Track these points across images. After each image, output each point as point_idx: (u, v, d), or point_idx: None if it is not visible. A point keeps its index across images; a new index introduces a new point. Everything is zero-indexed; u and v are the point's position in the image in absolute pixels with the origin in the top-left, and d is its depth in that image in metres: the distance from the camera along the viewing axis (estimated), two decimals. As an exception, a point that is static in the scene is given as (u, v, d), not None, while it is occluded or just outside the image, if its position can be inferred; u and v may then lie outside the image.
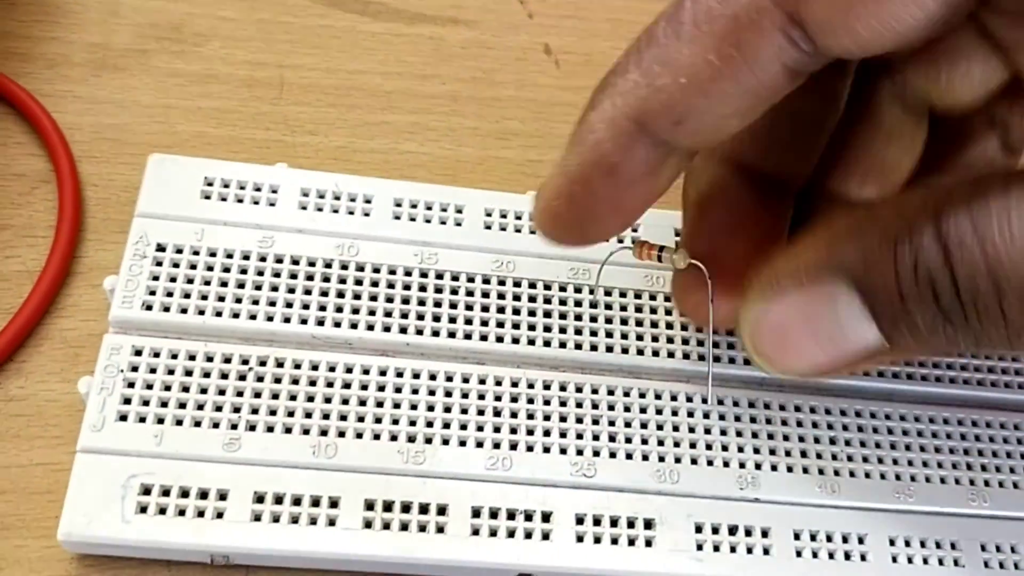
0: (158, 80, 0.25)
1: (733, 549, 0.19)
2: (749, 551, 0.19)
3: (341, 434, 0.19)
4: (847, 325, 0.15)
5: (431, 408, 0.19)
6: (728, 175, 0.19)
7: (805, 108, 0.18)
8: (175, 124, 0.25)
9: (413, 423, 0.19)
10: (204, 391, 0.19)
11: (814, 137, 0.19)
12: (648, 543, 0.19)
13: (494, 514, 0.19)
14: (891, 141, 0.19)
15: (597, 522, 0.19)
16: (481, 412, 0.20)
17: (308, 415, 0.19)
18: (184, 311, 0.20)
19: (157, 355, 0.19)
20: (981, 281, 0.14)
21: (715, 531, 0.19)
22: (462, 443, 0.19)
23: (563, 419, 0.20)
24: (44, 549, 0.19)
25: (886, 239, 0.14)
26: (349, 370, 0.20)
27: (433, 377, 0.20)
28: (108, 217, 0.23)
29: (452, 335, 0.20)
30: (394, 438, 0.19)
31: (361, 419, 0.19)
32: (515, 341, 0.21)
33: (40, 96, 0.24)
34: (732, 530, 0.19)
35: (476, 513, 0.19)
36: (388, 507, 0.18)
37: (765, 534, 0.19)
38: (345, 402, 0.19)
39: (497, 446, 0.19)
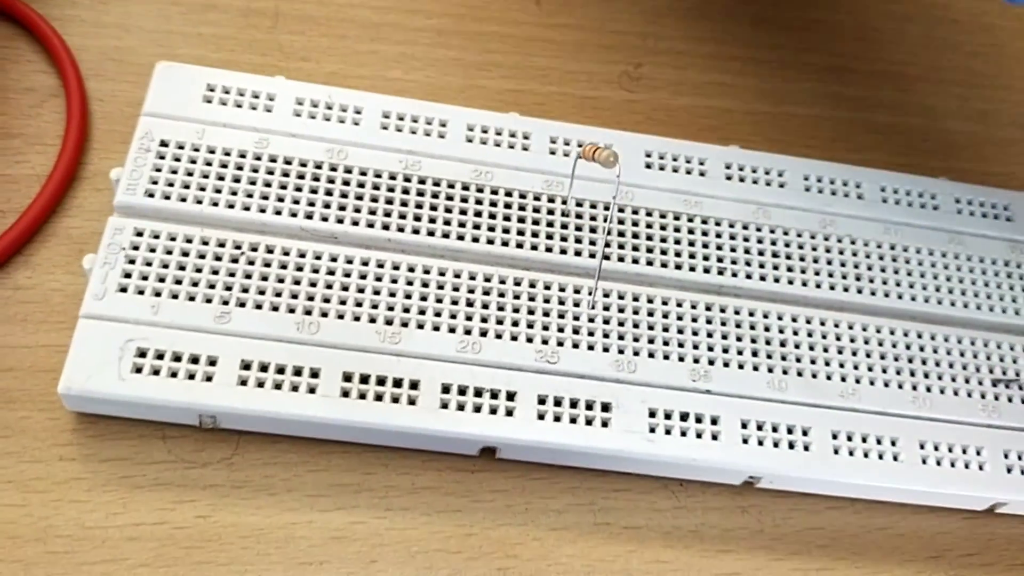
0: (160, 8, 0.27)
1: (683, 433, 0.21)
2: (698, 436, 0.21)
3: (324, 314, 0.20)
4: None
5: (408, 296, 0.21)
6: None
7: None
8: (176, 48, 0.26)
9: (391, 308, 0.21)
10: (199, 270, 0.20)
11: None
12: (604, 424, 0.20)
13: (462, 391, 0.20)
14: None
15: (558, 403, 0.20)
16: (455, 302, 0.21)
17: (294, 296, 0.20)
18: (183, 200, 0.21)
19: (157, 237, 0.20)
20: None
21: (667, 416, 0.21)
22: (435, 328, 0.21)
23: (531, 312, 0.21)
24: (47, 420, 0.20)
25: None
26: (334, 259, 0.21)
27: (412, 269, 0.21)
28: (112, 129, 0.24)
29: (431, 233, 0.22)
30: (372, 320, 0.20)
31: (343, 302, 0.21)
32: (490, 242, 0.22)
33: (51, 20, 0.25)
34: (683, 416, 0.21)
35: (446, 389, 0.20)
36: (364, 379, 0.20)
37: (714, 421, 0.21)
38: (329, 287, 0.21)
39: (468, 332, 0.21)
